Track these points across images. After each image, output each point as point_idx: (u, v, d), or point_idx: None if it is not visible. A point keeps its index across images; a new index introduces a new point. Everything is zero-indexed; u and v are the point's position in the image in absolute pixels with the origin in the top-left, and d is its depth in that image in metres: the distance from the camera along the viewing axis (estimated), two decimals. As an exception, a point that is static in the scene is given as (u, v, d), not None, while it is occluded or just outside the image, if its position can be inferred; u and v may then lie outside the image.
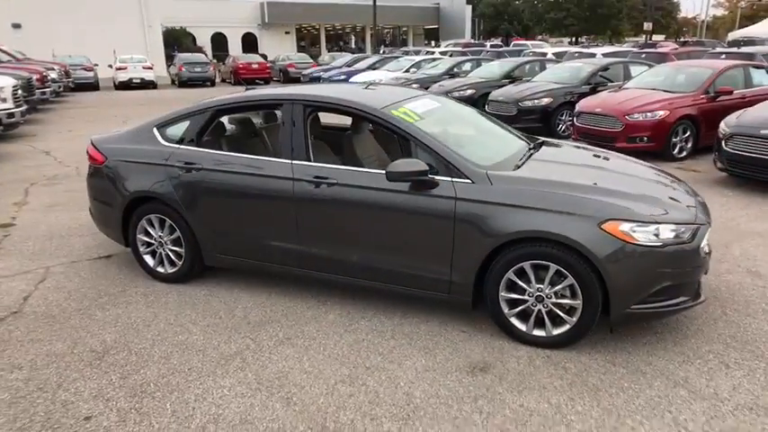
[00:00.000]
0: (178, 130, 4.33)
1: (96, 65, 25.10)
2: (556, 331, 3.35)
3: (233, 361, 3.34)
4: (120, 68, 24.08)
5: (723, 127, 7.03)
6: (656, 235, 3.15)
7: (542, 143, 4.35)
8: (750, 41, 20.83)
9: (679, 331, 3.57)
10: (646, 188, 3.57)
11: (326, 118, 5.15)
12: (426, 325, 3.71)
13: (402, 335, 3.59)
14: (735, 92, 8.67)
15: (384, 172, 3.54)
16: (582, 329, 3.29)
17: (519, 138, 4.38)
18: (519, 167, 3.63)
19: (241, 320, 3.83)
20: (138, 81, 24.19)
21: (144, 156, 4.30)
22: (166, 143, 4.29)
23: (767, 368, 3.16)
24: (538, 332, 3.40)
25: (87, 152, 4.69)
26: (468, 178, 3.40)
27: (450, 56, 19.73)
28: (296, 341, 3.55)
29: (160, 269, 4.43)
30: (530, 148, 4.12)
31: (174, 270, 4.38)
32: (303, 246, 3.86)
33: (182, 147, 4.21)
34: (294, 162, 3.82)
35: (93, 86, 23.83)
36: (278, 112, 4.67)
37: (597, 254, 3.11)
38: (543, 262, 3.25)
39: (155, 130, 4.38)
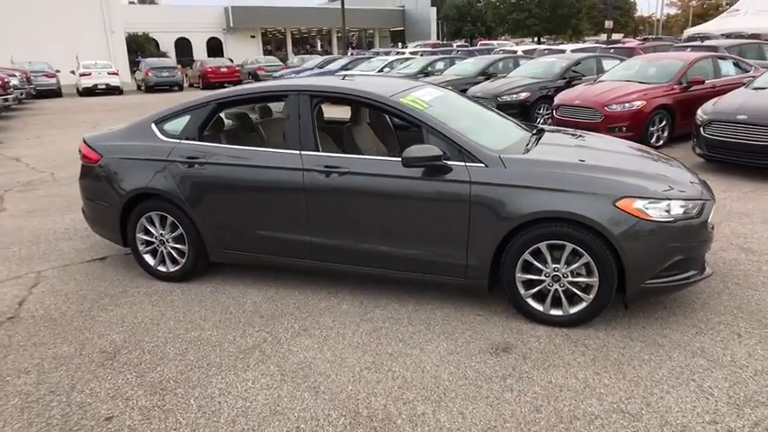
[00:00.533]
0: (178, 125, 4.23)
1: (58, 71, 24.41)
2: (573, 310, 3.39)
3: (252, 354, 3.28)
4: (83, 74, 23.48)
5: (700, 114, 7.25)
6: (668, 211, 3.23)
7: (542, 129, 4.41)
8: (706, 37, 21.53)
9: (687, 305, 3.65)
10: (653, 167, 3.65)
11: (326, 111, 5.12)
12: (442, 311, 3.71)
13: (419, 321, 3.59)
14: (706, 82, 8.96)
15: (395, 159, 3.54)
16: (598, 306, 3.33)
17: (520, 126, 4.43)
18: (529, 151, 3.67)
19: (253, 314, 3.76)
20: (104, 87, 23.64)
21: (143, 152, 4.19)
22: (166, 138, 4.19)
23: (778, 336, 3.27)
24: (555, 311, 3.43)
25: (80, 151, 4.55)
26: (481, 162, 3.42)
27: (421, 55, 19.83)
28: (313, 332, 3.51)
29: (162, 268, 4.32)
30: (533, 134, 4.17)
31: (176, 268, 4.28)
32: (314, 236, 3.81)
33: (183, 141, 4.12)
34: (303, 153, 3.77)
35: (55, 93, 23.17)
36: (279, 107, 4.62)
37: (613, 231, 3.17)
38: (559, 242, 3.29)
39: (153, 125, 4.27)
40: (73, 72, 25.04)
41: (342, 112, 4.31)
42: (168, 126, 4.26)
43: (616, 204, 3.19)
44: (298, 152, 3.79)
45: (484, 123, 4.19)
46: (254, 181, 3.88)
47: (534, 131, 4.29)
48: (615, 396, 2.77)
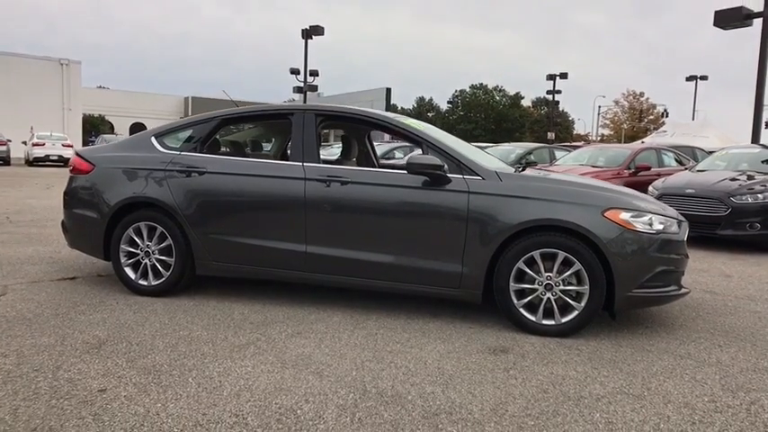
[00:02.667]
0: (179, 139, 4.31)
1: (9, 140, 23.96)
2: (564, 319, 3.50)
3: (247, 349, 3.19)
4: (36, 144, 23.13)
5: (652, 189, 7.88)
6: (650, 224, 3.49)
7: (525, 166, 4.73)
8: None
9: (668, 325, 3.83)
10: (632, 192, 3.97)
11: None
12: (434, 323, 3.74)
13: (413, 330, 3.60)
14: (651, 169, 9.79)
15: (396, 171, 3.72)
16: (589, 314, 3.46)
17: (502, 160, 4.75)
18: (520, 172, 3.94)
19: (242, 321, 3.68)
20: (56, 158, 23.24)
21: (140, 162, 4.21)
22: (166, 150, 4.24)
23: (754, 346, 3.47)
24: (547, 321, 3.53)
25: (71, 164, 4.52)
26: (478, 175, 3.64)
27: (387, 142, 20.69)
28: (307, 335, 3.45)
29: (143, 282, 4.18)
30: (518, 167, 4.47)
31: (158, 282, 4.16)
32: (311, 247, 3.85)
33: (183, 153, 4.19)
34: (306, 164, 3.90)
35: (3, 161, 22.57)
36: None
37: (602, 238, 3.38)
38: (552, 250, 3.46)
39: (153, 139, 4.33)
40: (24, 143, 24.67)
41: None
42: (169, 140, 4.33)
43: (604, 215, 3.44)
44: (300, 164, 3.92)
45: (474, 151, 4.46)
46: (254, 190, 3.94)
47: (519, 166, 4.60)
48: (616, 383, 2.85)
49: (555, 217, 3.45)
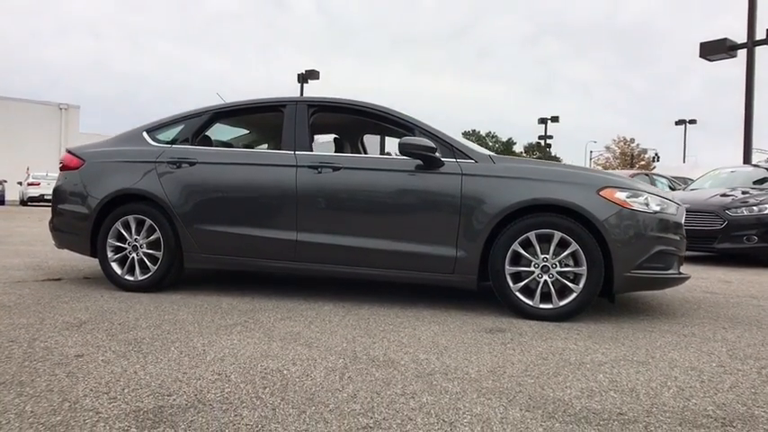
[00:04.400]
0: (171, 133, 4.28)
1: (5, 181, 24.00)
2: (562, 302, 3.39)
3: (234, 328, 3.06)
4: (32, 184, 23.13)
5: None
6: (647, 204, 3.44)
7: None
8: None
9: (668, 314, 3.72)
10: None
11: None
12: (428, 311, 3.62)
13: (407, 316, 3.48)
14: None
15: (388, 157, 3.68)
16: (587, 296, 3.35)
17: None
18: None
19: (230, 309, 3.55)
20: (51, 197, 23.13)
21: (131, 155, 4.17)
22: (157, 144, 4.21)
23: (760, 328, 3.35)
24: (545, 305, 3.42)
25: (61, 162, 4.48)
26: (472, 159, 3.61)
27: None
28: (297, 318, 3.33)
29: (129, 277, 4.06)
30: None
31: (145, 277, 4.03)
32: (302, 235, 3.76)
33: (174, 146, 4.15)
34: (297, 152, 3.87)
35: (-2, 200, 22.55)
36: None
37: (598, 216, 3.32)
38: (547, 230, 3.39)
39: (144, 133, 4.30)
40: (20, 183, 24.67)
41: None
42: (161, 134, 4.30)
43: (600, 193, 3.39)
44: (292, 152, 3.88)
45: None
46: (244, 179, 3.89)
47: None
48: (619, 352, 2.73)
49: (550, 196, 3.39)
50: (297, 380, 2.21)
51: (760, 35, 12.93)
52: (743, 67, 12.94)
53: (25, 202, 23.27)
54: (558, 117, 40.30)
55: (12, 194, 25.28)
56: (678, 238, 3.55)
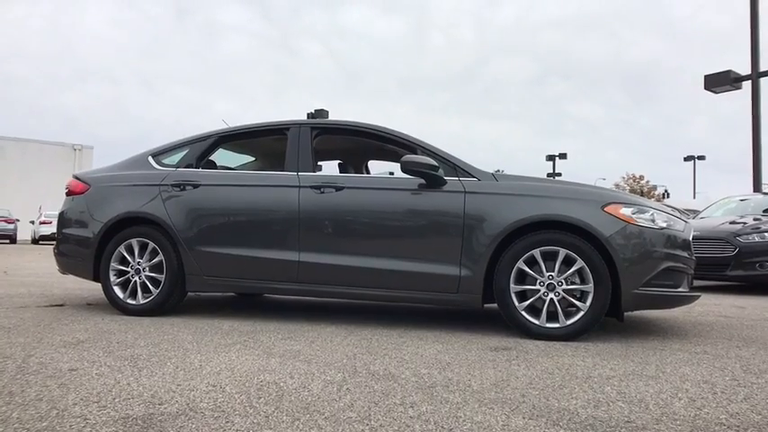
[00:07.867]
0: (176, 158, 4.32)
1: (18, 219, 24.26)
2: (569, 321, 3.31)
3: (233, 346, 3.00)
4: (44, 222, 23.34)
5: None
6: (653, 220, 3.38)
7: None
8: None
9: (680, 334, 3.61)
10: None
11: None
12: (432, 332, 3.54)
13: (410, 337, 3.40)
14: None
15: (391, 176, 3.68)
16: (594, 315, 3.27)
17: None
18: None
19: (231, 330, 3.50)
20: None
21: (136, 179, 4.20)
22: (162, 168, 4.24)
23: (774, 347, 3.24)
24: (551, 324, 3.34)
25: (67, 187, 4.52)
26: (474, 177, 3.59)
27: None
28: (298, 339, 3.27)
29: (131, 301, 4.03)
30: None
31: (146, 300, 4.00)
32: (306, 256, 3.73)
33: (179, 169, 4.18)
34: (300, 173, 3.87)
35: (10, 238, 22.74)
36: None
37: (604, 233, 3.27)
38: (552, 248, 3.33)
39: (150, 158, 4.34)
40: (32, 222, 24.92)
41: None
42: (166, 159, 4.34)
43: (604, 209, 3.34)
44: (295, 173, 3.89)
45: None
46: (247, 201, 3.89)
47: None
48: (628, 367, 2.64)
49: (554, 213, 3.35)
50: (293, 391, 2.15)
51: (764, 67, 13.02)
52: (749, 100, 12.95)
53: (37, 240, 23.46)
54: (565, 154, 40.40)
55: (24, 233, 25.52)
56: (687, 255, 3.48)
